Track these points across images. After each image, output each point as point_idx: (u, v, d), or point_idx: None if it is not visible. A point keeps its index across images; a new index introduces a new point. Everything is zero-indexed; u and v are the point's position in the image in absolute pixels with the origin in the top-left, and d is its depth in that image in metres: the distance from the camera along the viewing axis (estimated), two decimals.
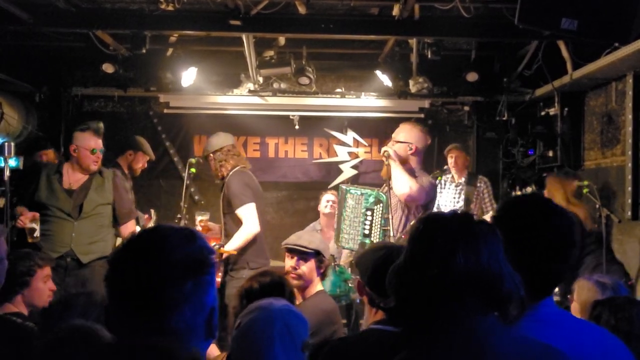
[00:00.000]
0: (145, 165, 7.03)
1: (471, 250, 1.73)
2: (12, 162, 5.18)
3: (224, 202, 5.96)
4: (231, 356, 2.55)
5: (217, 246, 5.69)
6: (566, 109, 7.66)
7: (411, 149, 5.35)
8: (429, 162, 8.68)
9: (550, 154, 7.83)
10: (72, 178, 5.52)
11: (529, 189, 7.68)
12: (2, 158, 5.09)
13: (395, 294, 1.84)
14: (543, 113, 8.05)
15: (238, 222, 5.81)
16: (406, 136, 5.41)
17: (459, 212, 1.88)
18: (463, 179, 7.47)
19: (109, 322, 1.80)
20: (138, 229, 6.62)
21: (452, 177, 7.60)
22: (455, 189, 7.50)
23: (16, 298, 3.78)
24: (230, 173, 5.92)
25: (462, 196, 7.41)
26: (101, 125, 5.68)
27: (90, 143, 5.52)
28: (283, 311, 2.67)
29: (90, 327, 2.28)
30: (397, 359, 1.77)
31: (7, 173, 5.05)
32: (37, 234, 5.15)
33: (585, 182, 5.97)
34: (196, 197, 8.74)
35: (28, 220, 5.12)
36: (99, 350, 1.80)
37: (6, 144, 5.13)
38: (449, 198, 7.51)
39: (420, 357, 1.75)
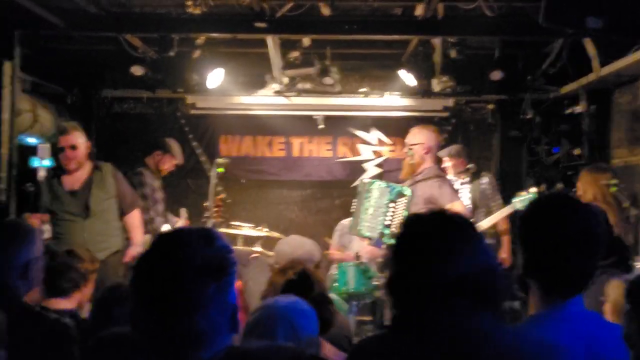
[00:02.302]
0: (173, 168, 7.12)
1: (467, 253, 1.75)
2: (47, 162, 5.31)
3: None
4: None
5: None
6: (592, 106, 7.62)
7: (425, 149, 5.62)
8: None
9: (576, 152, 7.80)
10: (72, 179, 5.60)
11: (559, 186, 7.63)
12: (36, 159, 5.22)
13: (394, 300, 1.84)
14: (568, 111, 8.02)
15: None
16: (418, 138, 5.71)
17: (437, 211, 1.88)
18: (468, 178, 7.45)
19: (134, 324, 1.82)
20: (167, 227, 6.74)
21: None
22: (461, 187, 7.49)
23: (74, 294, 3.82)
24: None
25: (469, 194, 7.40)
26: (66, 124, 5.73)
27: (59, 143, 5.60)
28: (287, 308, 2.67)
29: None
30: None
31: (41, 173, 5.17)
32: (47, 235, 5.19)
33: (613, 181, 5.93)
34: (223, 197, 8.82)
35: (38, 221, 5.17)
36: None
37: (40, 145, 5.25)
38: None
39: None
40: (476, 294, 1.73)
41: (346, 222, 7.71)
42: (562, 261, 2.13)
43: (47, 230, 5.22)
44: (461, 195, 7.43)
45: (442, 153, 7.57)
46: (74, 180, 5.60)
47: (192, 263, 1.73)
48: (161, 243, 1.82)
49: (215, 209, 6.34)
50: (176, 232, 1.86)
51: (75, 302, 3.86)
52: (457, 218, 1.84)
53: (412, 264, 1.78)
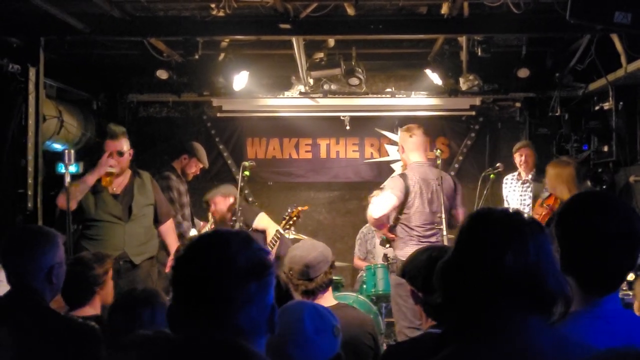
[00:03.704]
0: (198, 172, 7.15)
1: (520, 250, 1.73)
2: (72, 169, 5.34)
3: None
4: None
5: None
6: (621, 103, 7.50)
7: (400, 150, 5.90)
8: (481, 161, 8.64)
9: (605, 149, 7.70)
10: (115, 182, 5.65)
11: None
12: (62, 165, 5.25)
13: (442, 291, 1.85)
14: (597, 108, 7.91)
15: None
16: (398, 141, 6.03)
17: (509, 210, 1.87)
18: (530, 176, 7.29)
19: (173, 323, 1.86)
20: (194, 232, 6.76)
21: (519, 174, 7.43)
22: (522, 187, 7.32)
23: (94, 299, 3.88)
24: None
25: (530, 194, 7.25)
26: (115, 128, 5.78)
27: (106, 147, 5.66)
28: (311, 302, 2.81)
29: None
30: (442, 355, 1.78)
31: (67, 179, 5.20)
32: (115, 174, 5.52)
33: None
34: (250, 199, 8.84)
35: (114, 160, 5.49)
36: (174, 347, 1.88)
37: (66, 151, 5.28)
38: (515, 197, 7.37)
39: (464, 354, 1.76)
40: (527, 295, 1.73)
41: (365, 229, 7.74)
42: (600, 259, 2.09)
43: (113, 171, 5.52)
44: (522, 194, 7.29)
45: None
46: (115, 184, 5.67)
47: (235, 262, 1.78)
48: (203, 243, 1.86)
49: (290, 221, 6.35)
50: (217, 233, 1.92)
51: (98, 306, 3.91)
52: (518, 216, 1.83)
53: (464, 253, 1.80)
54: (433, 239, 5.51)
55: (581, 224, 2.15)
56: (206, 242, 1.87)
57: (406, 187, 5.56)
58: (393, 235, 5.70)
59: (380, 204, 5.57)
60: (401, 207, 5.60)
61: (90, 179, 5.44)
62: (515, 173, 7.50)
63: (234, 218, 6.43)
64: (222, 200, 6.75)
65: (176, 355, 1.83)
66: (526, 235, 1.76)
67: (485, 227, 1.80)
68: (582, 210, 2.19)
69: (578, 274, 2.14)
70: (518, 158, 7.40)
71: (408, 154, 5.81)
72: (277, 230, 6.33)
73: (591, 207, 2.18)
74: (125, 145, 5.68)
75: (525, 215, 1.87)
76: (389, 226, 5.72)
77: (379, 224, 5.67)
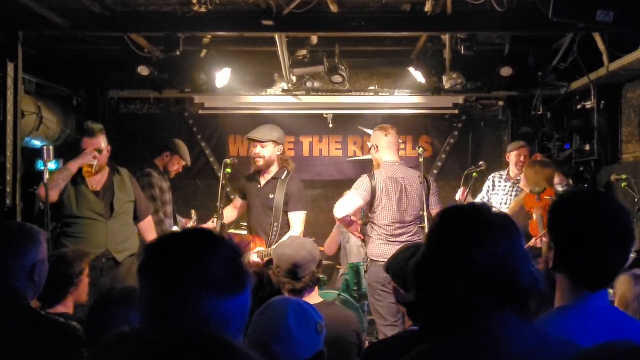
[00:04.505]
0: (181, 169, 7.10)
1: (489, 245, 1.72)
2: (52, 165, 5.28)
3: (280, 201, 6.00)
4: (249, 336, 2.60)
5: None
6: (603, 102, 7.54)
7: (375, 149, 5.87)
8: (464, 159, 8.63)
9: (587, 147, 7.72)
10: (94, 180, 5.60)
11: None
12: (41, 161, 5.19)
13: (415, 288, 1.85)
14: (579, 107, 7.94)
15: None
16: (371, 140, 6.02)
17: (477, 205, 1.87)
18: (520, 177, 7.07)
19: (151, 319, 1.80)
20: (175, 229, 6.71)
21: (508, 174, 7.31)
22: (512, 187, 7.22)
23: (67, 298, 3.86)
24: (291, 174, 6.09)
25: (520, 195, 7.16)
26: (93, 125, 5.71)
27: (84, 144, 5.58)
28: (295, 299, 2.82)
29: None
30: (415, 352, 1.78)
31: (46, 176, 5.14)
32: (96, 167, 5.45)
33: (624, 176, 5.87)
34: (232, 197, 8.78)
35: (93, 151, 5.42)
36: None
37: (45, 147, 5.21)
38: (501, 196, 7.27)
39: (438, 350, 1.75)
40: (499, 290, 1.71)
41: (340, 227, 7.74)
42: (594, 257, 2.10)
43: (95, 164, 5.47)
44: (511, 194, 7.21)
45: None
46: (95, 181, 5.63)
47: (216, 253, 1.77)
48: (187, 236, 1.85)
49: None
50: (197, 229, 1.93)
51: (70, 305, 3.89)
52: (487, 211, 1.82)
53: (434, 249, 1.80)
54: (403, 238, 5.49)
55: (574, 222, 2.15)
56: (190, 235, 1.86)
57: (372, 187, 5.56)
58: (361, 235, 5.72)
59: (344, 204, 5.58)
60: (370, 206, 5.60)
61: (73, 166, 5.40)
62: (504, 172, 7.37)
63: (215, 216, 6.35)
64: (275, 147, 6.13)
65: (159, 354, 1.80)
66: (495, 229, 1.75)
67: (454, 222, 1.80)
68: (574, 208, 2.19)
69: (571, 272, 2.14)
70: (516, 158, 7.25)
71: (382, 152, 5.80)
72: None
73: (584, 206, 2.18)
74: (103, 142, 5.61)
75: (495, 209, 1.86)
76: (360, 225, 5.73)
77: (344, 223, 5.69)
